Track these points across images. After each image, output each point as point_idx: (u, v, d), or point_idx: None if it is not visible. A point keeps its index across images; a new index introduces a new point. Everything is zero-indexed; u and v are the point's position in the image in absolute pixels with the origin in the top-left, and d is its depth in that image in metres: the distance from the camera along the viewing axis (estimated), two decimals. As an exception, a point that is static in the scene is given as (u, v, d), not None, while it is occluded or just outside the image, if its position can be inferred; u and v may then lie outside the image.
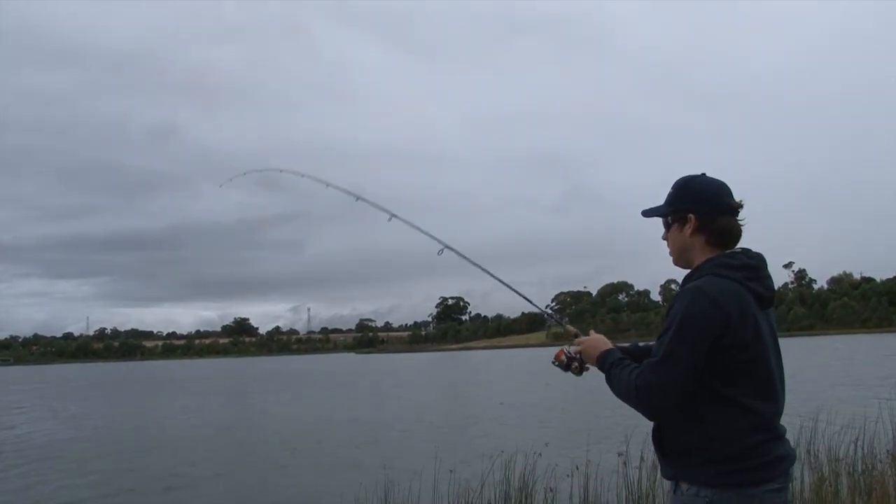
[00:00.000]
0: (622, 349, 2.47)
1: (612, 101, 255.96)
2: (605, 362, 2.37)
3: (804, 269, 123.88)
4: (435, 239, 3.31)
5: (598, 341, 2.48)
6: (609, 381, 2.32)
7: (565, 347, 2.63)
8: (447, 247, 3.30)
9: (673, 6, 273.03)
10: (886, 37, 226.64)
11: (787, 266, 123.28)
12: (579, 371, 2.58)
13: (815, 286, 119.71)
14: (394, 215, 3.57)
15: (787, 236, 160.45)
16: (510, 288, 3.16)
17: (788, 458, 2.19)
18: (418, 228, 3.40)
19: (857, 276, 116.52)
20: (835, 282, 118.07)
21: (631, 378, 2.17)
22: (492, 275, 3.21)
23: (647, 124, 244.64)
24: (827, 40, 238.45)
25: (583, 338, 2.57)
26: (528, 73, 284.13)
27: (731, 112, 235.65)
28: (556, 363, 2.63)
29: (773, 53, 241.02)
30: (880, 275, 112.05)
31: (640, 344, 2.57)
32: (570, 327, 2.72)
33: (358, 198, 3.79)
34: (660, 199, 2.41)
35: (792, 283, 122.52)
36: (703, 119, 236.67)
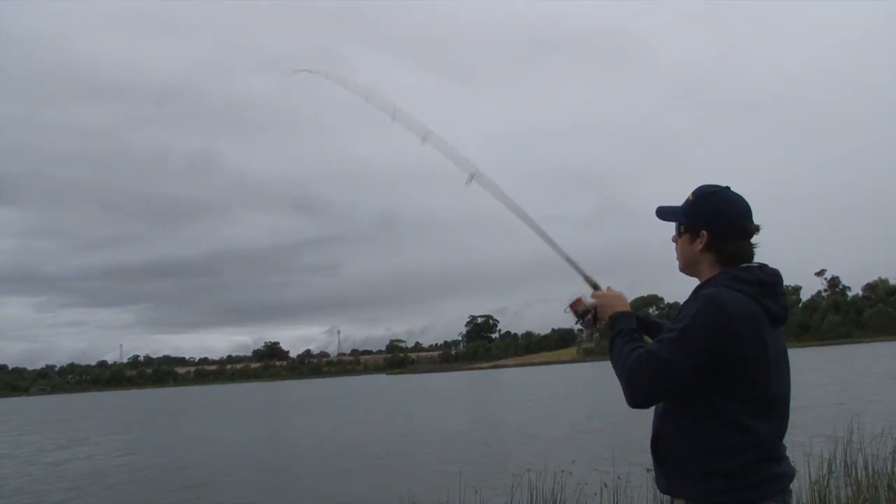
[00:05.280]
0: (638, 320, 2.38)
1: (645, 115, 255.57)
2: (615, 325, 2.29)
3: (837, 277, 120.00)
4: (463, 166, 3.04)
5: (615, 299, 2.39)
6: (611, 347, 2.24)
7: (583, 296, 2.50)
8: (474, 175, 2.99)
9: (706, 21, 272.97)
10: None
11: (820, 274, 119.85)
12: (592, 323, 2.46)
13: (850, 293, 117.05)
14: (425, 138, 3.27)
15: (819, 244, 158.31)
16: (534, 228, 2.76)
17: (786, 476, 2.10)
18: (446, 154, 3.14)
19: (892, 281, 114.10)
20: (870, 288, 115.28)
21: (630, 357, 2.10)
22: (522, 213, 2.83)
23: (681, 137, 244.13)
24: (857, 45, 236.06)
25: (600, 292, 2.47)
26: (562, 91, 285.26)
27: (764, 123, 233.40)
28: (571, 311, 2.51)
29: (804, 62, 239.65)
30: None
31: (655, 319, 2.49)
32: (590, 277, 2.56)
33: (394, 117, 3.50)
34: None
35: (825, 290, 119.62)
36: (736, 131, 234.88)
